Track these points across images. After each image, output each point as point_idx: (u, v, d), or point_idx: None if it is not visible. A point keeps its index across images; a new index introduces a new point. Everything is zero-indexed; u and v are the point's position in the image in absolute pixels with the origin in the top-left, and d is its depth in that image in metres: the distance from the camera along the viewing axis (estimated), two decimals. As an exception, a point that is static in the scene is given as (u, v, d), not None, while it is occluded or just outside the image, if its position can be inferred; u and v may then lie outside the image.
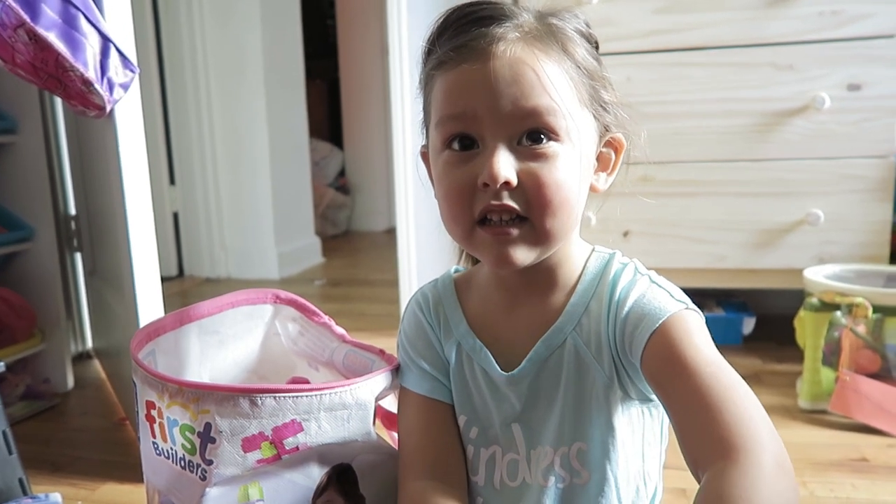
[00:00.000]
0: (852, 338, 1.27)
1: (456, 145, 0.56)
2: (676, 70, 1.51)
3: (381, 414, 0.71)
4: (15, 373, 1.42)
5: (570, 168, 0.55)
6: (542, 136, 0.54)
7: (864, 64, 1.42)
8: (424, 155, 0.66)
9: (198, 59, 2.61)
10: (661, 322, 0.54)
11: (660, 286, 0.58)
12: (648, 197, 1.62)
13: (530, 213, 0.55)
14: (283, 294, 0.81)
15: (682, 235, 1.55)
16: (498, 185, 0.53)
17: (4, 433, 1.02)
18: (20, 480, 1.03)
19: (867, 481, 1.03)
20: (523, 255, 0.56)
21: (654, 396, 0.59)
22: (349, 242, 3.74)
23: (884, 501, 0.97)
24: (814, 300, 1.31)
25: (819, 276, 1.37)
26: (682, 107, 1.51)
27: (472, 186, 0.55)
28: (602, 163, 0.62)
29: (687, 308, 0.56)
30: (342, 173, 4.10)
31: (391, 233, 3.85)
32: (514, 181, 0.53)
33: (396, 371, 0.67)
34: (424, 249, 1.83)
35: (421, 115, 0.64)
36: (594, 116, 0.58)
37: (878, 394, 1.21)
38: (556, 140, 0.54)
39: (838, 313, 1.28)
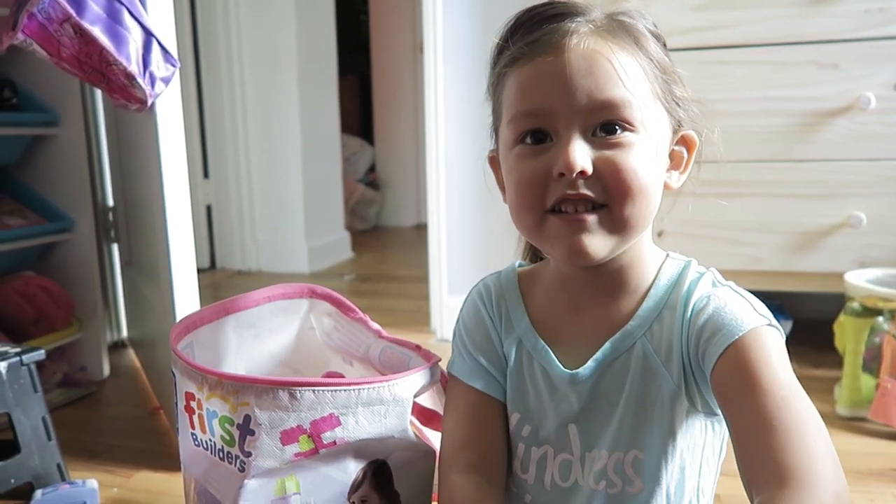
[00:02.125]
0: (894, 344, 1.23)
1: (529, 139, 0.56)
2: (715, 68, 1.48)
3: (417, 410, 0.71)
4: (53, 360, 1.45)
5: (646, 157, 0.54)
6: (618, 127, 0.53)
7: (911, 63, 1.38)
8: (493, 160, 0.65)
9: (233, 54, 2.64)
10: (739, 336, 0.52)
11: (742, 297, 0.56)
12: (684, 196, 1.61)
13: (609, 199, 0.54)
14: (319, 289, 0.81)
15: (718, 236, 1.52)
16: (574, 174, 0.52)
17: (44, 419, 1.04)
18: (58, 466, 1.05)
19: (909, 492, 1.00)
20: (599, 245, 0.54)
21: (719, 411, 0.57)
22: (378, 238, 3.76)
23: (927, 513, 0.95)
24: (855, 304, 1.28)
25: (861, 280, 1.34)
26: (720, 105, 1.48)
27: (546, 176, 0.54)
28: (674, 160, 0.60)
29: (769, 325, 0.54)
30: (372, 169, 4.12)
31: (420, 229, 3.86)
32: (590, 170, 0.53)
33: (434, 368, 0.67)
34: (455, 246, 1.82)
35: (490, 119, 0.63)
36: (667, 111, 0.57)
37: (920, 402, 1.18)
38: (631, 130, 0.54)
39: (880, 319, 1.25)
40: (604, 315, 0.60)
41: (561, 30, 0.54)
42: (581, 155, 0.52)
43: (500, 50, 0.59)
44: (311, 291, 0.81)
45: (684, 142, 0.61)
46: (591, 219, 0.54)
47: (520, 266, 0.70)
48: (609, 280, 0.60)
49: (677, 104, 0.58)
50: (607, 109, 0.53)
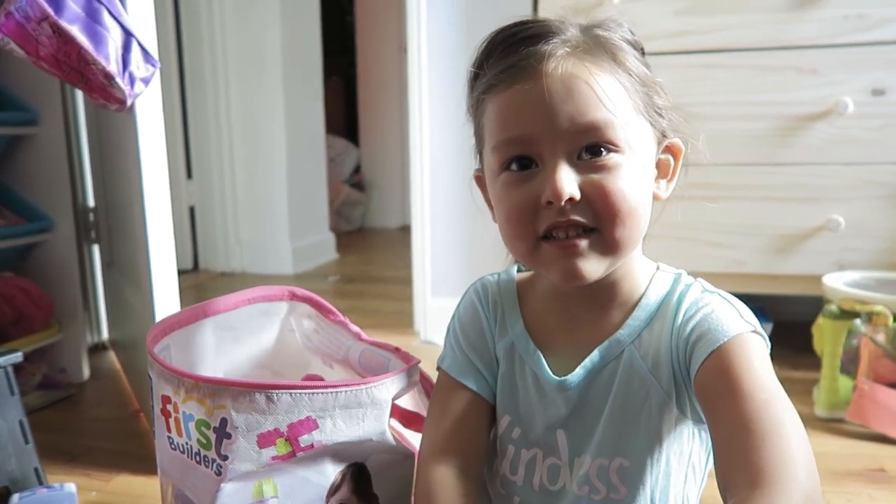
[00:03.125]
0: (871, 346, 1.25)
1: (514, 167, 0.56)
2: (698, 72, 1.49)
3: (397, 413, 0.71)
4: (32, 362, 1.43)
5: (633, 177, 0.54)
6: (602, 149, 0.53)
7: (888, 69, 1.40)
8: (479, 179, 0.65)
9: (217, 54, 2.63)
10: (724, 341, 0.53)
11: (730, 303, 0.57)
12: (667, 200, 1.62)
13: (598, 223, 0.54)
14: (300, 291, 0.81)
15: (701, 239, 1.54)
16: (562, 202, 0.52)
17: (21, 423, 1.03)
18: (36, 470, 1.04)
19: (885, 492, 1.01)
20: (592, 268, 0.55)
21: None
22: (363, 239, 3.75)
23: (902, 513, 0.96)
24: (833, 307, 1.30)
25: (839, 283, 1.36)
26: (703, 109, 1.49)
27: (535, 204, 0.54)
28: (661, 170, 0.60)
29: (754, 331, 0.54)
30: (357, 170, 4.11)
31: (405, 230, 3.85)
32: (578, 196, 0.53)
33: (413, 370, 0.67)
34: (439, 247, 1.82)
35: (473, 141, 0.63)
36: (651, 124, 0.57)
37: (897, 404, 1.20)
38: (616, 151, 0.54)
39: (858, 321, 1.26)
40: (595, 325, 0.61)
41: (537, 54, 0.53)
42: (567, 182, 0.52)
43: (476, 75, 0.59)
44: (291, 294, 0.81)
45: (670, 150, 0.61)
46: (583, 243, 0.54)
47: (519, 271, 0.70)
48: (601, 293, 0.61)
49: (659, 114, 0.58)
50: (590, 132, 0.53)
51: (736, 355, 0.52)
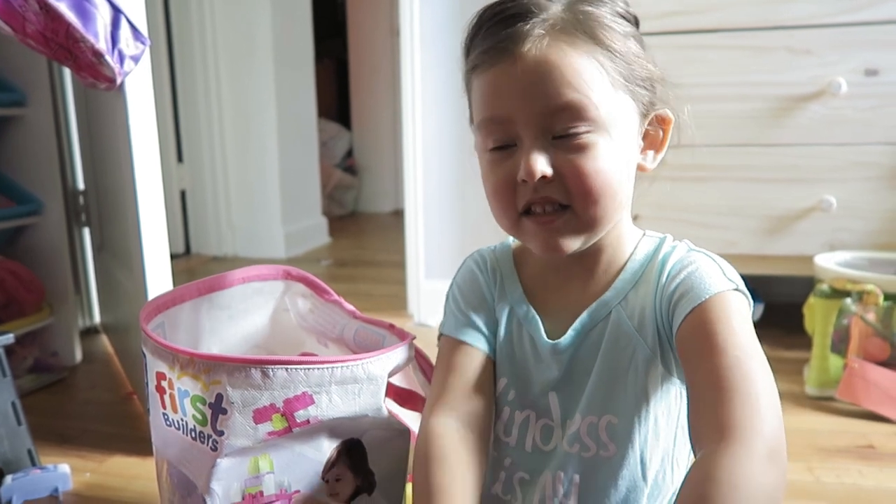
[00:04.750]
0: (862, 325, 1.26)
1: (496, 145, 0.58)
2: (690, 53, 1.49)
3: (393, 391, 0.71)
4: (23, 345, 1.42)
5: (607, 155, 0.55)
6: (575, 130, 0.55)
7: (881, 49, 1.40)
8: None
9: (207, 37, 2.60)
10: (705, 298, 0.54)
11: (714, 261, 0.58)
12: (659, 181, 1.62)
13: (571, 201, 0.56)
14: (294, 271, 0.81)
15: (693, 220, 1.54)
16: (535, 181, 0.55)
17: (14, 404, 1.03)
18: (29, 451, 1.04)
19: (874, 468, 1.02)
20: (569, 242, 0.58)
21: None
22: (355, 223, 3.74)
23: (891, 489, 0.97)
24: (824, 287, 1.30)
25: (830, 263, 1.36)
26: (695, 90, 1.49)
27: (513, 182, 0.57)
28: (649, 140, 0.61)
29: (736, 289, 0.56)
30: (350, 154, 4.09)
31: (397, 214, 3.85)
32: (550, 173, 0.55)
33: (409, 346, 0.67)
34: (432, 231, 1.82)
35: (468, 116, 0.65)
36: (633, 97, 0.58)
37: (886, 382, 1.21)
38: (590, 132, 0.55)
39: (848, 300, 1.27)
40: (585, 289, 0.63)
41: (514, 35, 0.55)
42: (540, 161, 0.55)
43: (467, 50, 0.61)
44: (286, 273, 0.81)
45: (658, 121, 0.61)
46: (559, 220, 0.57)
47: (514, 241, 0.71)
48: (589, 259, 0.63)
49: (644, 87, 0.59)
50: (563, 113, 0.54)
51: (715, 312, 0.53)
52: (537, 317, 0.64)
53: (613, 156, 0.56)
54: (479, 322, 0.66)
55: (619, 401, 0.60)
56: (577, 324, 0.62)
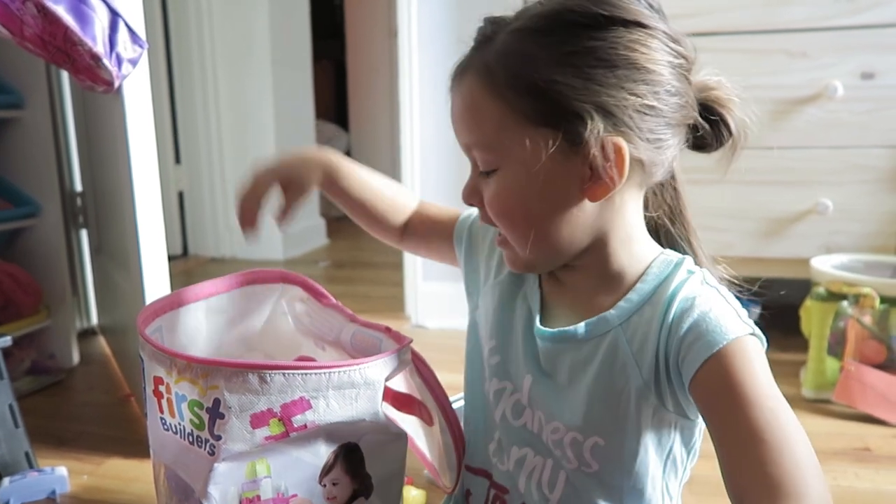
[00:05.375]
0: (858, 328, 1.26)
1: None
2: (688, 55, 1.49)
3: (391, 395, 0.71)
4: (21, 347, 1.42)
5: (512, 186, 0.57)
6: (483, 164, 0.59)
7: (878, 52, 1.40)
8: None
9: (205, 38, 2.60)
10: (721, 346, 0.52)
11: (728, 302, 0.56)
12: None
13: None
14: (292, 275, 0.81)
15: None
16: (466, 203, 0.63)
17: (11, 407, 1.03)
18: (26, 454, 1.04)
19: (870, 471, 1.03)
20: (520, 262, 0.62)
21: (691, 415, 0.58)
22: (353, 225, 3.69)
23: (887, 491, 0.98)
24: (821, 290, 1.31)
25: (826, 266, 1.37)
26: (692, 93, 1.50)
27: None
28: (595, 172, 0.55)
29: (752, 334, 0.54)
30: (347, 155, 4.07)
31: (396, 216, 3.85)
32: (475, 201, 0.62)
33: (405, 350, 0.67)
34: (430, 232, 1.82)
35: None
36: (553, 128, 0.54)
37: (882, 384, 1.21)
38: (495, 168, 0.58)
39: (845, 303, 1.28)
40: (587, 298, 0.62)
41: (458, 68, 0.59)
42: (466, 189, 0.62)
43: None
44: (283, 277, 0.81)
45: (602, 150, 0.53)
46: (504, 245, 0.63)
47: None
48: (592, 269, 0.61)
49: (583, 117, 0.52)
50: (472, 149, 0.59)
51: (737, 360, 0.51)
52: (539, 297, 0.65)
53: (519, 190, 0.57)
54: (472, 259, 0.74)
55: (609, 424, 0.59)
56: (572, 329, 0.60)
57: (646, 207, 0.63)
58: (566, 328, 0.61)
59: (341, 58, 4.12)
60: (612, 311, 0.59)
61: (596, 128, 0.53)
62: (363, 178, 0.80)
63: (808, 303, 1.34)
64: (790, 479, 0.45)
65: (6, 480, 0.98)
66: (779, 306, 1.66)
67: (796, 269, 1.50)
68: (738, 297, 0.58)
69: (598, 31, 0.53)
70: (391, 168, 3.94)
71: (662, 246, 0.63)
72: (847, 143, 1.45)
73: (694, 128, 0.60)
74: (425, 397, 0.71)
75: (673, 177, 0.65)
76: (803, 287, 1.40)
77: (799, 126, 1.46)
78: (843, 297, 1.28)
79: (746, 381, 0.50)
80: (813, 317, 1.32)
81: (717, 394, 0.51)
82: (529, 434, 0.64)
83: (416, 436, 0.78)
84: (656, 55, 0.54)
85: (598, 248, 0.60)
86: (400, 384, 0.73)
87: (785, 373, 1.38)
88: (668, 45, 0.56)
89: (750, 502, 0.46)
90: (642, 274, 0.60)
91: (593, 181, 0.55)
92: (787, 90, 1.46)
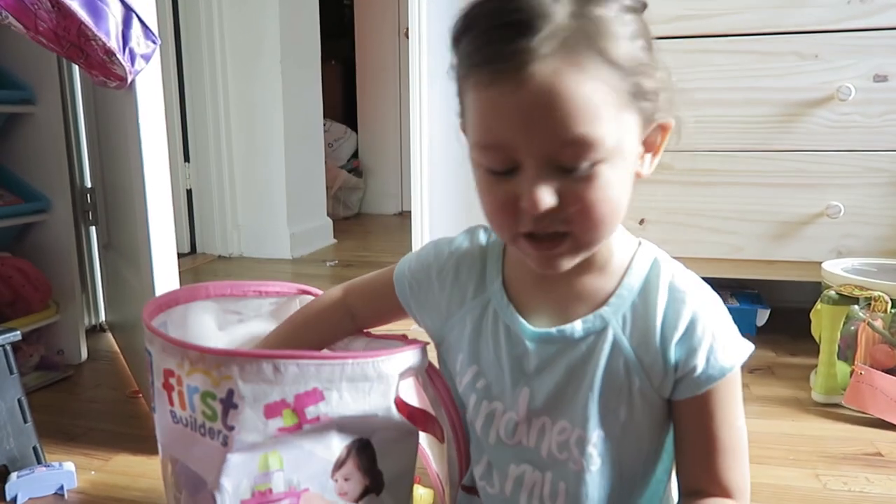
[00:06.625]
0: (869, 332, 1.25)
1: (493, 168, 0.53)
2: (699, 57, 1.49)
3: (407, 410, 0.69)
4: (30, 343, 1.43)
5: (613, 181, 0.52)
6: (584, 162, 0.50)
7: (891, 55, 1.40)
8: (464, 127, 0.60)
9: (214, 37, 2.60)
10: (721, 380, 0.58)
11: (728, 324, 0.60)
12: (667, 185, 1.62)
13: (573, 228, 0.53)
14: (309, 289, 0.81)
15: (700, 225, 1.54)
16: (539, 213, 0.51)
17: (20, 401, 1.03)
18: (34, 449, 1.04)
19: (882, 476, 1.02)
20: (567, 263, 0.56)
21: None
22: (361, 225, 3.74)
23: (899, 495, 0.97)
24: (832, 293, 1.30)
25: (838, 269, 1.36)
26: (703, 94, 1.49)
27: (515, 204, 0.52)
28: (646, 146, 0.57)
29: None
30: (355, 155, 4.09)
31: (402, 216, 3.85)
32: (555, 204, 0.51)
33: (423, 351, 0.67)
34: (437, 233, 1.82)
35: (456, 91, 0.59)
36: (638, 112, 0.53)
37: (893, 388, 1.20)
38: (597, 163, 0.51)
39: (856, 307, 1.27)
40: (572, 291, 0.61)
41: (519, 54, 0.48)
42: (546, 192, 0.50)
43: (455, 44, 0.55)
44: (300, 291, 0.81)
45: (659, 127, 0.57)
46: (560, 247, 0.54)
47: None
48: (579, 265, 0.59)
49: (648, 99, 0.54)
50: (571, 147, 0.50)
51: (728, 389, 0.59)
52: (512, 307, 0.63)
53: (619, 181, 0.53)
54: (425, 311, 0.70)
55: (607, 419, 0.60)
56: (567, 328, 0.60)
57: None
58: (562, 326, 0.60)
59: (350, 58, 4.12)
60: (606, 308, 0.59)
61: (660, 107, 0.55)
62: (281, 333, 0.77)
63: (819, 306, 1.33)
64: (743, 484, 0.59)
65: (14, 475, 0.98)
66: (789, 310, 1.66)
67: (806, 272, 1.49)
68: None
69: (640, 13, 0.55)
70: (399, 168, 3.95)
71: None
72: (859, 146, 1.44)
73: None
74: (437, 411, 0.70)
75: None
76: (811, 290, 1.39)
77: (810, 128, 1.46)
78: (855, 300, 1.27)
79: (728, 405, 0.59)
80: (823, 320, 1.31)
81: (700, 412, 0.59)
82: (525, 450, 0.63)
83: (424, 444, 0.78)
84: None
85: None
86: (413, 398, 0.72)
87: (795, 377, 1.37)
88: None
89: (703, 488, 0.59)
90: (628, 265, 0.61)
91: (641, 157, 0.57)
92: (798, 92, 1.45)
